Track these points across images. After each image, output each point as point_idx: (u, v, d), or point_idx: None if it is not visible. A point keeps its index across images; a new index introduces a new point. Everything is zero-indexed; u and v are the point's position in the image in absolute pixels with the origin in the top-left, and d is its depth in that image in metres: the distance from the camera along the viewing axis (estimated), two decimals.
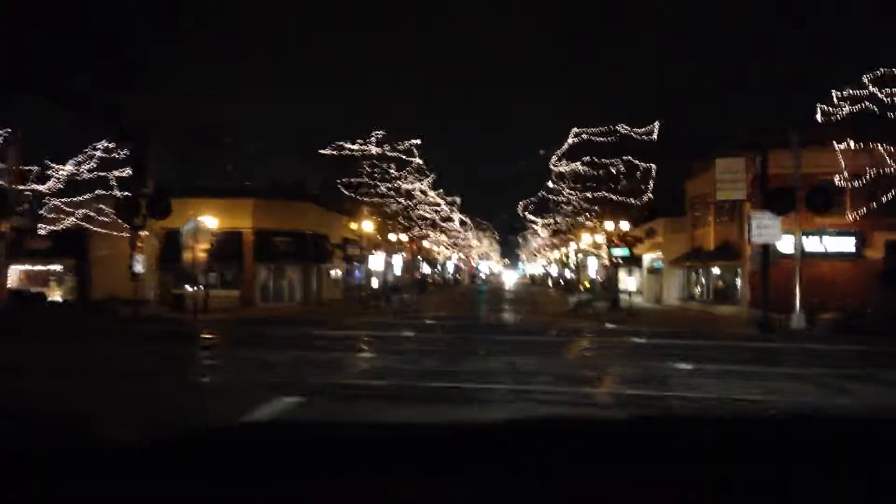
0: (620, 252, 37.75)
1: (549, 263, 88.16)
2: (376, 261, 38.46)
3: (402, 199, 45.77)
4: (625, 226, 37.70)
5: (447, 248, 76.98)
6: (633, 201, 39.35)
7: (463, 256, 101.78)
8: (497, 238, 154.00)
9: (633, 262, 42.79)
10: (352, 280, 46.78)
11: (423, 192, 46.41)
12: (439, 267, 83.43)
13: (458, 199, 63.92)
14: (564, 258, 72.13)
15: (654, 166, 38.59)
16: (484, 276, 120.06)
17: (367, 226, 38.78)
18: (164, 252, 38.56)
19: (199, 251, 30.31)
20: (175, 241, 38.16)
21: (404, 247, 50.82)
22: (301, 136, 42.83)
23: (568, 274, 71.98)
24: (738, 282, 35.15)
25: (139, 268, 29.60)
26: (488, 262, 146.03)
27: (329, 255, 42.82)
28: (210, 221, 35.59)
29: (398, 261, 51.26)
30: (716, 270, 37.53)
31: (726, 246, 35.77)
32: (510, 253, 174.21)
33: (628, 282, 38.81)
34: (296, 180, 44.17)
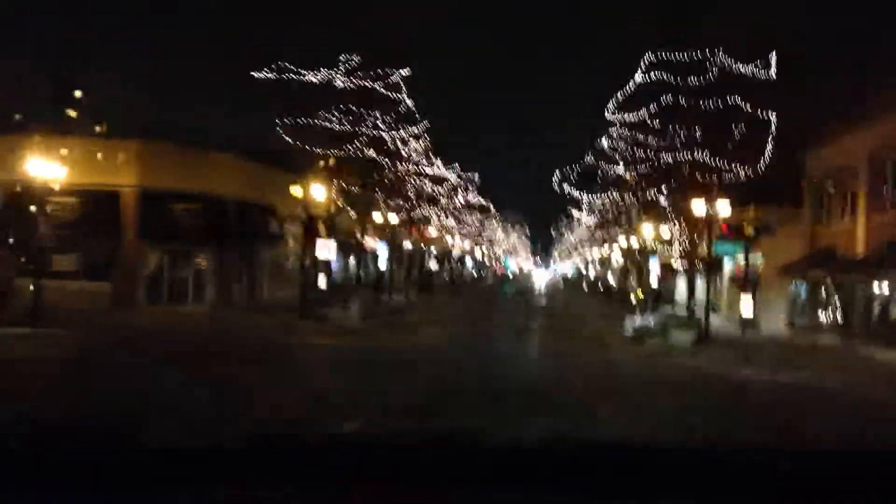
0: (726, 248, 23.44)
1: (589, 263, 73.40)
2: (323, 247, 24.60)
3: (388, 161, 31.61)
4: (724, 208, 23.37)
5: (461, 238, 62.48)
6: (734, 172, 24.96)
7: (486, 251, 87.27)
8: (527, 233, 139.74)
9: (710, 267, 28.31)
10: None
11: (417, 151, 32.27)
12: (456, 262, 69.01)
13: (474, 177, 49.88)
14: (607, 256, 57.58)
15: (773, 116, 24.19)
16: (511, 276, 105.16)
17: (318, 193, 24.74)
18: (3, 220, 25.29)
19: None
20: (24, 203, 24.91)
21: (395, 230, 36.76)
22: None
23: (611, 278, 57.55)
24: None
25: None
26: (516, 259, 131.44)
27: (271, 236, 29.02)
28: (55, 171, 22.02)
29: (383, 250, 37.23)
30: (878, 288, 22.80)
31: None
32: (542, 250, 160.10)
33: (743, 302, 24.31)
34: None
